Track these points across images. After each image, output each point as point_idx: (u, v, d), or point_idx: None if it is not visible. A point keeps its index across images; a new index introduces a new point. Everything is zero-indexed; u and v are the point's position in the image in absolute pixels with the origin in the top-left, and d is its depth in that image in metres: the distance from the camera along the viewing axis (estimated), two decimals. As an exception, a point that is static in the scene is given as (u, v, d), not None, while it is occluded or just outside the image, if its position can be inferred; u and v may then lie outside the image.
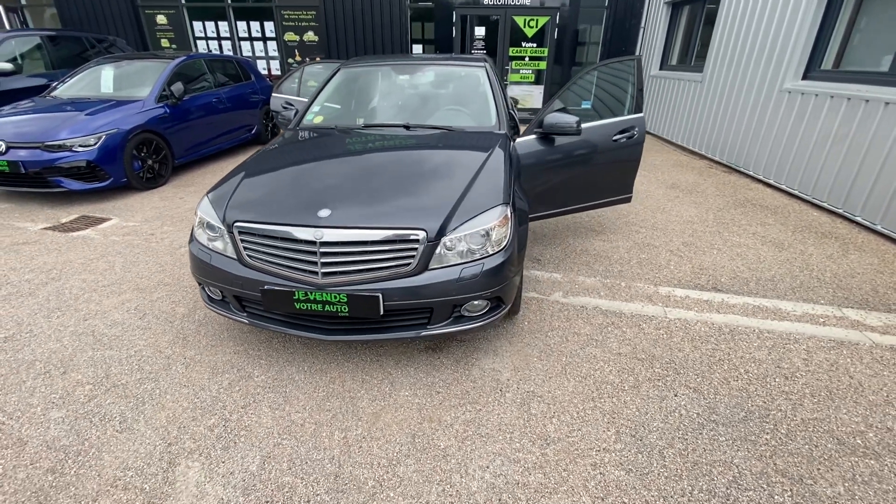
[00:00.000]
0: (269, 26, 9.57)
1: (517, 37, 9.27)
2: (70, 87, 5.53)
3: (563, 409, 2.02)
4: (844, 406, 2.02)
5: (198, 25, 9.65)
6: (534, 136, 3.10)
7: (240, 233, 2.05)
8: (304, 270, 1.95)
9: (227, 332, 2.54)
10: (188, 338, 2.49)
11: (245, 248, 2.05)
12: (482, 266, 2.01)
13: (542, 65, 9.46)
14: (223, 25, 9.60)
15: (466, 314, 2.13)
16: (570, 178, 3.29)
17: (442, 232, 1.97)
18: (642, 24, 8.54)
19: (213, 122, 6.13)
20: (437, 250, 1.98)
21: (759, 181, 5.33)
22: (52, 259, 3.39)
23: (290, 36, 9.57)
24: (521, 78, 9.61)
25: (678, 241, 3.72)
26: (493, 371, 2.25)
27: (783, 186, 4.91)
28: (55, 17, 9.60)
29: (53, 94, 5.47)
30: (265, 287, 1.98)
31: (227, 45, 9.75)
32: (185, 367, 2.26)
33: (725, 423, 1.93)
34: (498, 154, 2.58)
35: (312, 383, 2.16)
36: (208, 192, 2.31)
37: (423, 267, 1.97)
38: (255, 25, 9.58)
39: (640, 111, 3.42)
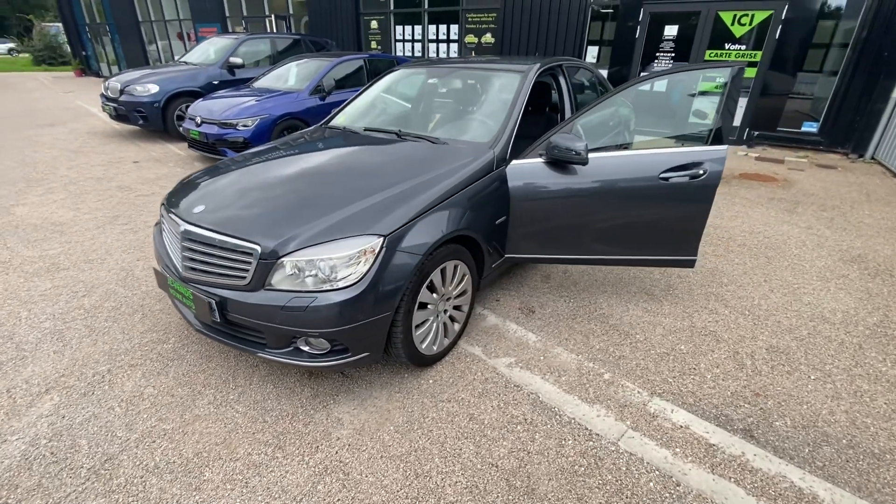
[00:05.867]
0: (455, 29, 10.12)
1: (720, 37, 7.46)
2: (265, 80, 6.99)
3: (351, 500, 1.61)
4: None
5: (399, 29, 10.92)
6: (540, 160, 2.48)
7: (162, 214, 2.28)
8: (177, 259, 2.05)
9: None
10: (169, 294, 2.92)
11: (162, 229, 2.27)
12: (312, 300, 1.74)
13: (750, 72, 7.39)
14: (417, 29, 10.61)
15: (306, 349, 1.89)
16: (594, 221, 2.51)
17: (277, 251, 1.78)
18: (928, 18, 5.78)
19: (357, 115, 6.90)
20: (283, 270, 1.80)
21: None
22: (175, 209, 4.41)
23: (469, 38, 9.93)
24: (715, 87, 7.73)
25: (762, 343, 2.47)
26: (336, 422, 1.94)
27: None
28: (307, 24, 12.26)
29: (254, 84, 7.02)
30: (157, 267, 2.16)
31: (418, 46, 10.76)
32: (142, 316, 2.66)
33: None
34: (446, 175, 2.19)
35: (195, 366, 2.26)
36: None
37: (259, 284, 1.82)
38: (442, 28, 10.27)
39: (721, 142, 2.37)
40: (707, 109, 7.97)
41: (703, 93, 8.08)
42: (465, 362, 2.31)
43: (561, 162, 2.42)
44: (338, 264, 1.78)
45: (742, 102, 7.65)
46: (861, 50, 6.43)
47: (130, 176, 5.48)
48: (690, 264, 2.57)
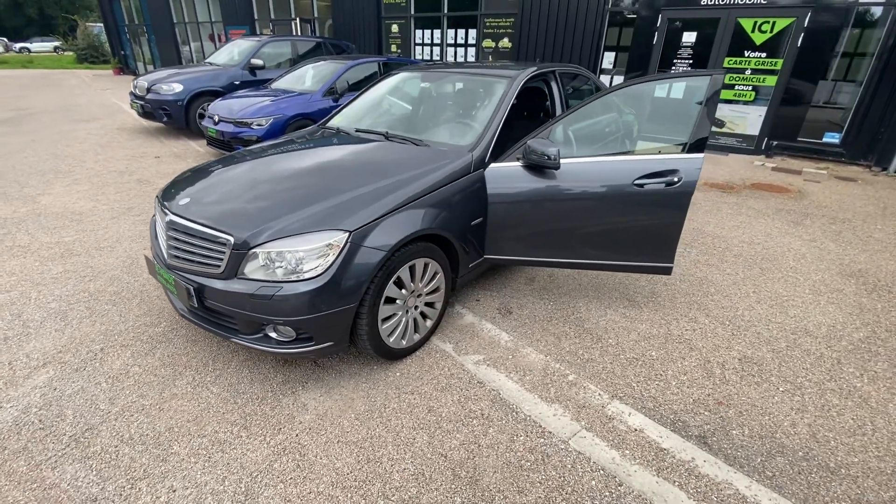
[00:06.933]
0: (472, 34, 10.21)
1: (740, 44, 7.31)
2: (283, 81, 7.23)
3: (302, 479, 1.70)
4: None
5: (419, 33, 11.08)
6: (518, 164, 2.53)
7: (155, 206, 2.43)
8: (164, 247, 2.19)
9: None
10: (168, 282, 3.09)
11: (156, 219, 2.42)
12: (278, 290, 1.85)
13: (770, 80, 7.22)
14: (437, 33, 10.74)
15: (274, 336, 2.00)
16: (570, 225, 2.54)
17: (248, 242, 1.89)
18: (959, 26, 5.53)
19: (369, 116, 7.06)
20: (256, 260, 1.92)
21: None
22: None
23: (487, 43, 10.00)
24: (734, 95, 7.58)
25: (736, 353, 2.45)
26: (301, 407, 2.04)
27: None
28: (331, 28, 12.56)
29: (272, 85, 7.26)
30: (148, 255, 2.31)
31: (436, 50, 10.89)
32: (140, 301, 2.84)
33: None
34: (421, 176, 2.28)
35: (180, 349, 2.40)
36: (188, 170, 2.78)
37: (233, 273, 1.94)
38: (461, 33, 10.38)
39: (700, 150, 2.37)
40: (723, 117, 7.84)
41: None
42: (434, 357, 2.38)
43: (537, 166, 2.47)
44: (305, 256, 1.88)
45: (761, 111, 7.47)
46: (887, 59, 6.20)
47: (150, 170, 5.76)
48: (667, 271, 2.57)
